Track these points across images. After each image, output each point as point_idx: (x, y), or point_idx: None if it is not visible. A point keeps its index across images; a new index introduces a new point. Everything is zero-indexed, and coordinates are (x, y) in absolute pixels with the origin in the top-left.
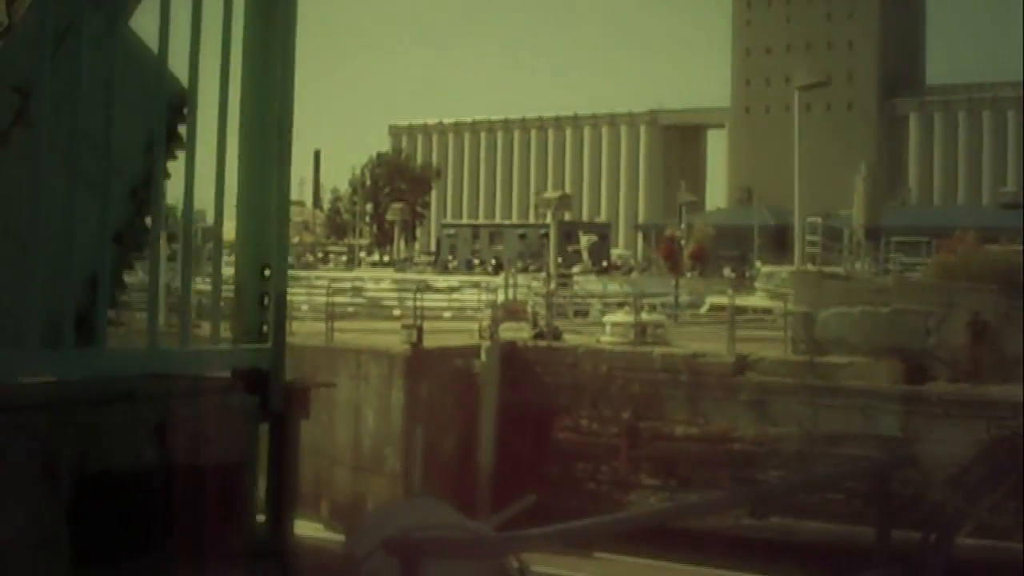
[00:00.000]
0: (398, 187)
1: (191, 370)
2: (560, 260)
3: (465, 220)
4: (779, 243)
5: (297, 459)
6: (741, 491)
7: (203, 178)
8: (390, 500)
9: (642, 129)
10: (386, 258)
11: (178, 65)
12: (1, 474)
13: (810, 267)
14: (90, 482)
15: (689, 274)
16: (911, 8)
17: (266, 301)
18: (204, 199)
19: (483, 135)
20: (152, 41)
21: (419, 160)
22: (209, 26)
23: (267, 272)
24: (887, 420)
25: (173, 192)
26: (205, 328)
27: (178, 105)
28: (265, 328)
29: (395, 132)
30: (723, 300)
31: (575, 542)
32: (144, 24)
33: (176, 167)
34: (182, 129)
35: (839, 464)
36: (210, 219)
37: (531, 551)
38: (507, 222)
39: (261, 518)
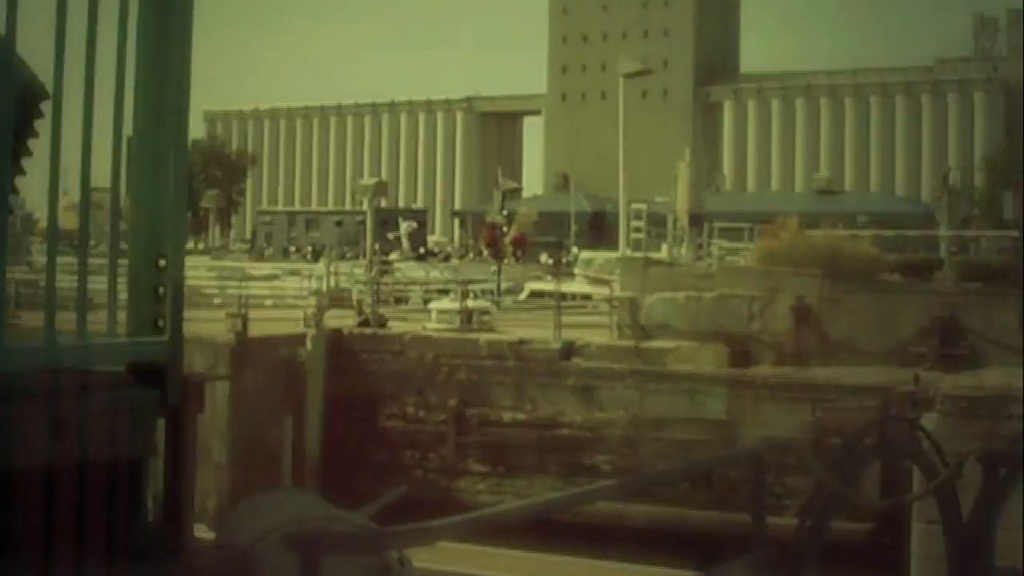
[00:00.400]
0: (213, 174)
1: (86, 365)
2: (378, 247)
3: (281, 207)
4: (596, 229)
5: (194, 454)
6: (630, 478)
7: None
8: (261, 490)
9: (459, 116)
10: (200, 245)
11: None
12: None
13: (635, 253)
14: None
15: (506, 261)
16: None
17: (161, 292)
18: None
19: (299, 122)
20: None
21: (235, 147)
22: (104, 16)
23: (162, 263)
24: (713, 404)
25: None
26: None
27: (32, 99)
28: (161, 321)
29: (210, 118)
30: (542, 286)
31: (483, 531)
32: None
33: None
34: (39, 124)
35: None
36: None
37: (439, 541)
38: (323, 209)
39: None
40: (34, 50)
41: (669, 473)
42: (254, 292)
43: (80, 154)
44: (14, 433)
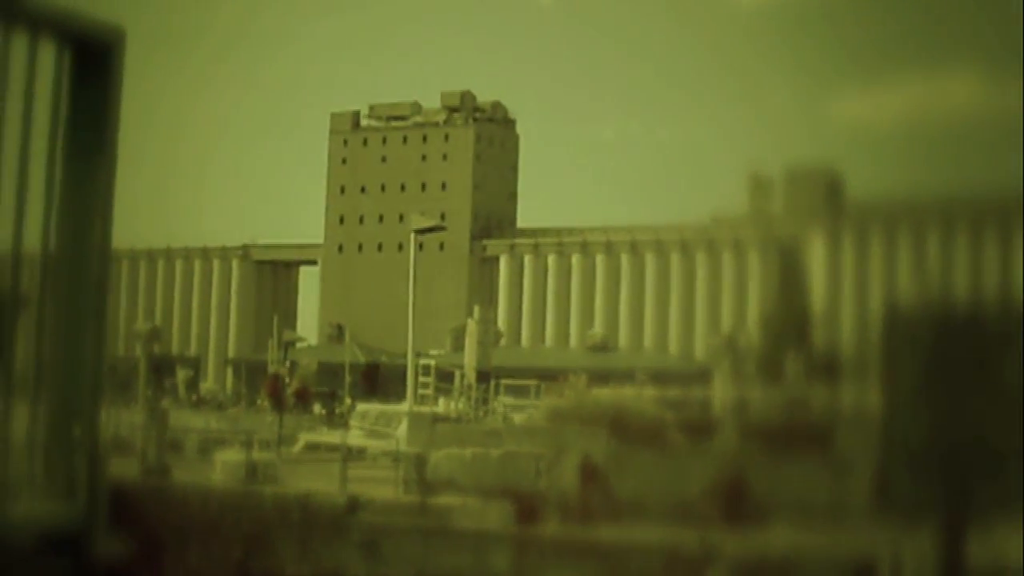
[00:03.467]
0: None
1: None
2: (149, 393)
3: None
4: (369, 380)
5: None
6: None
7: None
8: None
9: (235, 263)
10: None
11: None
12: None
13: (421, 407)
14: None
15: (286, 411)
16: (504, 152)
17: (75, 460)
18: None
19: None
20: None
21: None
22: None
23: (77, 430)
24: (498, 561)
25: None
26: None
27: None
28: (75, 489)
29: None
30: (317, 437)
31: None
32: None
33: None
34: None
35: None
36: None
37: None
38: None
39: None
40: None
41: None
42: None
43: None
44: None
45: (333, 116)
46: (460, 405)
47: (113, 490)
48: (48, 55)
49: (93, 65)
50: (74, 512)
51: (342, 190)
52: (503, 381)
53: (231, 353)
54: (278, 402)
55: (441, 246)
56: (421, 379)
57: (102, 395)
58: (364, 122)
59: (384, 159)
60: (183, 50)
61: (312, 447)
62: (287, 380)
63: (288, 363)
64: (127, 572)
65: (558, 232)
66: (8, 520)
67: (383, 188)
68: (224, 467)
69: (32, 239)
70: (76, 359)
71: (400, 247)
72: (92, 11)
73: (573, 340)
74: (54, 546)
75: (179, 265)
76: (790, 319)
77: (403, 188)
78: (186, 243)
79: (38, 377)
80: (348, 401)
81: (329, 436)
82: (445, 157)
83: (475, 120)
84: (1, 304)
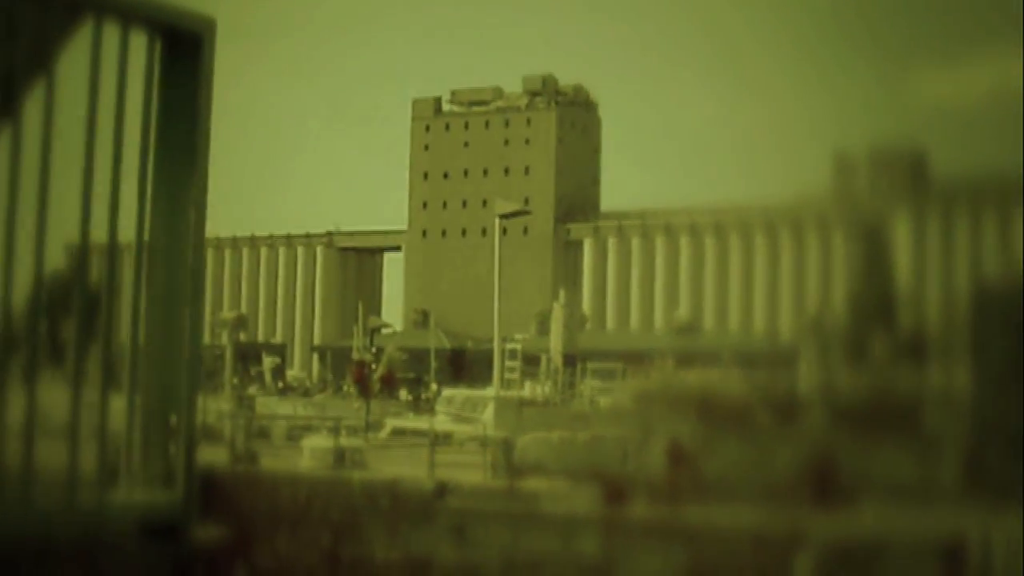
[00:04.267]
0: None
1: (98, 524)
2: (235, 381)
3: None
4: (455, 366)
5: None
6: None
7: None
8: None
9: (319, 250)
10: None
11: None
12: None
13: (507, 392)
14: None
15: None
16: (587, 135)
17: (172, 450)
18: None
19: None
20: None
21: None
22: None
23: (174, 420)
24: (586, 544)
25: None
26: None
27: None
28: (173, 478)
29: (70, 251)
30: (404, 423)
31: None
32: None
33: None
34: None
35: None
36: None
37: None
38: None
39: None
40: None
41: None
42: None
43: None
44: None
45: (415, 102)
46: (546, 389)
47: (203, 478)
48: (139, 45)
49: (184, 55)
50: (172, 500)
51: (425, 176)
52: (589, 364)
53: (316, 340)
54: (364, 388)
55: (525, 230)
56: (507, 363)
57: (198, 384)
58: (446, 108)
59: (466, 144)
60: (267, 39)
61: (399, 433)
62: (373, 366)
63: (374, 349)
64: (223, 558)
65: (642, 214)
66: (108, 507)
67: (466, 173)
68: (312, 454)
69: (127, 230)
70: (173, 348)
71: (484, 232)
72: (182, 1)
73: (658, 322)
74: (154, 533)
75: (263, 253)
76: (876, 299)
77: (485, 173)
78: (270, 231)
79: (134, 366)
80: (434, 387)
81: (415, 422)
82: (528, 141)
83: (557, 104)
84: (98, 295)
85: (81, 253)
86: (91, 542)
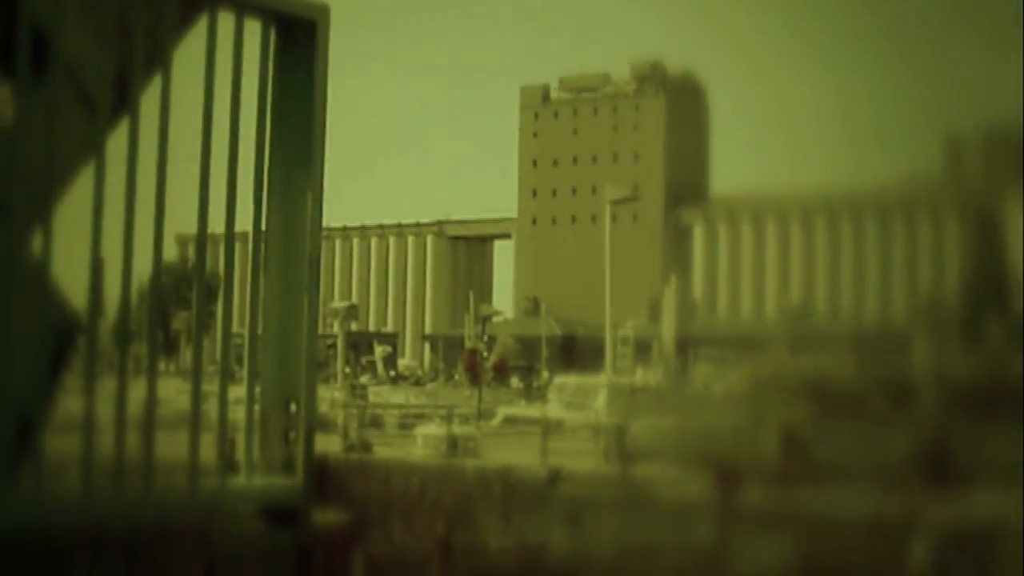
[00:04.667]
0: (184, 295)
1: (219, 508)
2: (347, 370)
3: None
4: (566, 353)
5: None
6: None
7: None
8: None
9: (429, 239)
10: (172, 367)
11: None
12: None
13: (619, 379)
14: None
15: (485, 385)
16: (696, 120)
17: (292, 436)
18: None
19: None
20: None
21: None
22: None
23: (293, 407)
24: (700, 531)
25: None
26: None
27: (68, 330)
28: (292, 464)
29: (182, 240)
30: (516, 411)
31: None
32: None
33: None
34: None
35: None
36: None
37: None
38: None
39: None
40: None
41: None
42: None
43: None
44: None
45: (523, 90)
46: (659, 375)
47: (319, 466)
48: (254, 33)
49: (298, 42)
50: (292, 486)
51: (534, 163)
52: (701, 350)
53: (427, 329)
54: (475, 376)
55: (635, 217)
56: (619, 350)
57: (316, 372)
58: (554, 95)
59: (575, 131)
60: (378, 26)
61: (511, 420)
62: (484, 354)
63: (485, 337)
64: (341, 543)
65: (752, 199)
66: (229, 493)
67: (575, 160)
68: (425, 442)
69: (243, 220)
70: (291, 336)
71: (593, 219)
72: None
73: (769, 308)
74: (274, 518)
75: (374, 242)
76: (989, 282)
77: (594, 160)
78: (380, 220)
79: (254, 354)
80: (545, 374)
81: (527, 409)
82: (636, 128)
83: (665, 90)
84: (215, 285)
85: (200, 244)
86: (213, 526)
